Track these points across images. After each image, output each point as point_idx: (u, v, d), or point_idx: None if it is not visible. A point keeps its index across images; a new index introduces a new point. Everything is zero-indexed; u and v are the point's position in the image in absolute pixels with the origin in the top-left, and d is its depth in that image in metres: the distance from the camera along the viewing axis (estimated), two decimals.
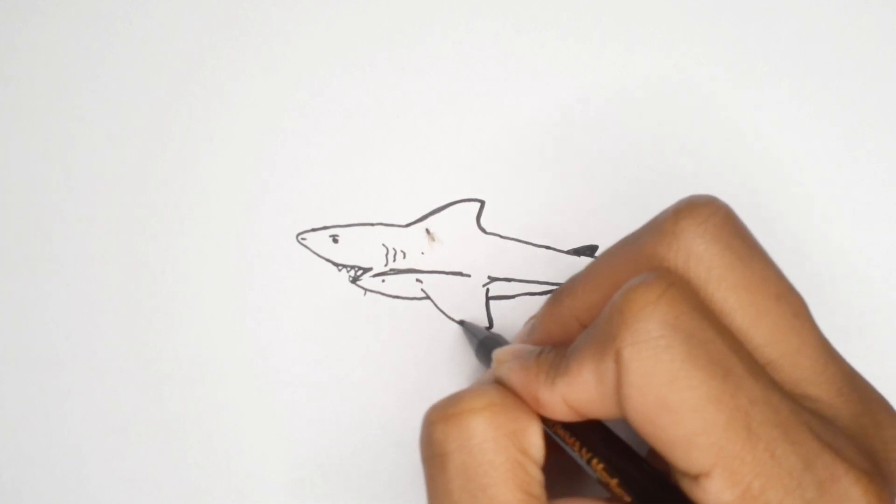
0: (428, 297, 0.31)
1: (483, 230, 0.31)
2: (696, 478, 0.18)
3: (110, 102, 0.33)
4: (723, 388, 0.18)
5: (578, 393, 0.20)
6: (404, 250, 0.31)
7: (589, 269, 0.23)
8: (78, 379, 0.31)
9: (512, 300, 0.31)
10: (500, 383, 0.22)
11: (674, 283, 0.19)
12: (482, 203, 0.31)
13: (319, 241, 0.32)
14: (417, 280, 0.31)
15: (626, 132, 0.32)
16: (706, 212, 0.21)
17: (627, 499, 0.20)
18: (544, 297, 0.31)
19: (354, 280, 0.31)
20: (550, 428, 0.22)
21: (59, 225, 0.32)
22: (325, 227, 0.32)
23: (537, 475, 0.21)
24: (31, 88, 0.33)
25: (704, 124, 0.32)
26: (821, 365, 0.21)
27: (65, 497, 0.31)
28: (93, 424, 0.31)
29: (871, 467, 0.19)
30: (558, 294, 0.24)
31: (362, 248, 0.31)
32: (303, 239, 0.32)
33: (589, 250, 0.31)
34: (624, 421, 0.20)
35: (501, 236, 0.31)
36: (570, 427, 0.21)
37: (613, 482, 0.20)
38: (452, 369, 0.31)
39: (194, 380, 0.31)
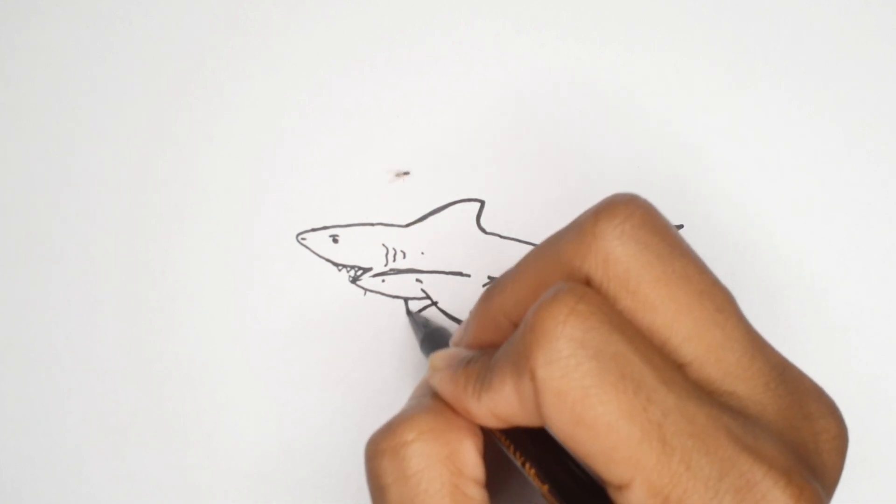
0: (428, 297, 0.31)
1: (483, 230, 0.31)
2: (618, 488, 0.19)
3: (110, 102, 0.33)
4: (634, 403, 0.18)
5: (503, 407, 0.20)
6: (404, 250, 0.31)
7: (517, 266, 0.23)
8: (78, 379, 0.31)
9: None
10: (434, 396, 0.23)
11: (583, 298, 0.19)
12: (482, 203, 0.31)
13: (319, 241, 0.32)
14: (417, 280, 0.31)
15: (626, 132, 0.32)
16: (625, 212, 0.21)
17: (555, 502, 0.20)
18: None
19: (354, 280, 0.31)
20: (492, 433, 0.22)
21: (59, 225, 0.32)
22: (325, 227, 0.32)
23: (477, 494, 0.21)
24: (31, 88, 0.33)
25: (704, 124, 0.32)
26: (747, 359, 0.21)
27: (65, 497, 0.31)
28: (93, 424, 0.31)
29: (794, 465, 0.19)
30: (489, 292, 0.24)
31: (362, 248, 0.31)
32: (303, 239, 0.32)
33: None
34: None
35: (501, 236, 0.31)
36: (506, 432, 0.22)
37: (544, 488, 0.20)
38: None
39: (194, 380, 0.31)
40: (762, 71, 0.32)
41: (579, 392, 0.18)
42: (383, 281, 0.31)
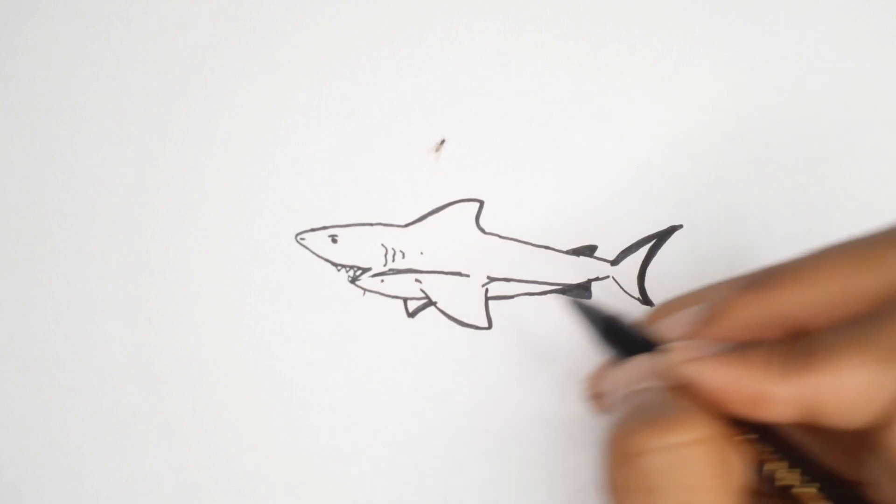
0: (427, 297, 0.31)
1: (482, 230, 0.31)
2: None
3: (110, 102, 0.33)
4: None
5: (832, 391, 0.18)
6: (403, 250, 0.31)
7: (811, 270, 0.20)
8: (78, 379, 0.31)
9: (511, 300, 0.31)
10: (680, 387, 0.20)
11: None
12: (481, 203, 0.31)
13: (318, 241, 0.31)
14: (416, 280, 0.31)
15: (625, 132, 0.32)
16: None
17: None
18: (544, 297, 0.31)
19: (353, 280, 0.31)
20: (759, 454, 0.20)
21: (59, 225, 0.32)
22: (325, 227, 0.32)
23: None
24: (31, 88, 0.33)
25: (704, 124, 0.32)
26: None
27: (65, 497, 0.31)
28: (93, 424, 0.31)
29: None
30: (762, 283, 0.21)
31: (361, 248, 0.31)
32: (302, 239, 0.32)
33: (588, 250, 0.31)
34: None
35: (500, 236, 0.31)
36: (780, 450, 0.19)
37: (812, 490, 0.18)
38: (452, 369, 0.31)
39: (194, 380, 0.31)
40: (762, 71, 0.32)
41: None
42: (382, 281, 0.31)
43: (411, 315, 0.31)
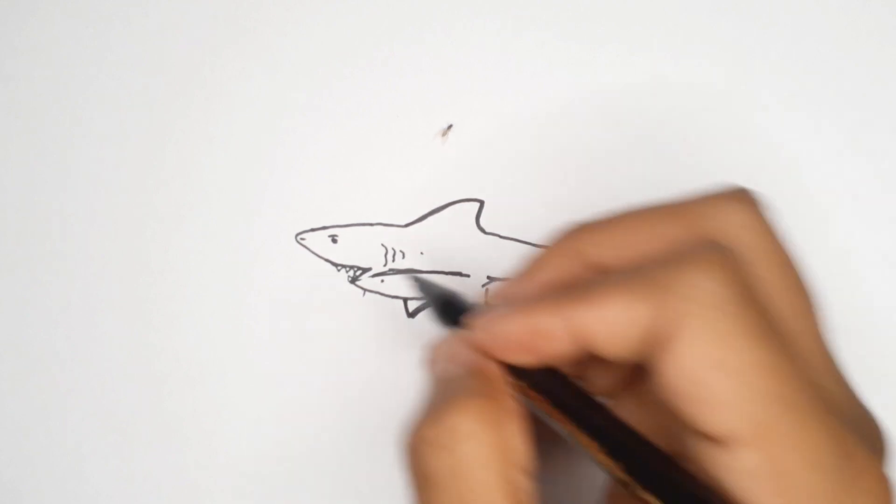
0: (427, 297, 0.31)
1: (482, 230, 0.31)
2: (721, 442, 0.18)
3: (110, 102, 0.33)
4: (776, 359, 0.18)
5: (596, 321, 0.19)
6: (403, 250, 0.31)
7: (623, 218, 0.22)
8: (78, 379, 0.31)
9: None
10: (472, 371, 0.21)
11: (736, 256, 0.19)
12: (481, 203, 0.31)
13: (318, 241, 0.31)
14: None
15: (625, 132, 0.32)
16: (753, 195, 0.22)
17: (627, 478, 0.19)
18: None
19: (353, 280, 0.31)
20: (532, 401, 0.21)
21: (59, 225, 0.32)
22: (325, 227, 0.32)
23: (527, 485, 0.20)
24: (31, 88, 0.33)
25: (704, 124, 0.32)
26: (829, 357, 0.21)
27: (65, 497, 0.31)
28: (93, 424, 0.31)
29: (879, 454, 0.20)
30: (574, 231, 0.23)
31: (361, 248, 0.31)
32: (302, 239, 0.32)
33: None
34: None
35: (501, 236, 0.31)
36: (557, 401, 0.21)
37: (609, 461, 0.19)
38: None
39: (194, 380, 0.31)
40: (762, 71, 0.32)
41: (724, 335, 0.18)
42: (382, 281, 0.31)
43: (411, 315, 0.31)
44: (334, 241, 0.31)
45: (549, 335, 0.20)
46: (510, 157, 0.32)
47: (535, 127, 0.32)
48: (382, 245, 0.31)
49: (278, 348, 0.31)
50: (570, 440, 0.21)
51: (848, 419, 0.20)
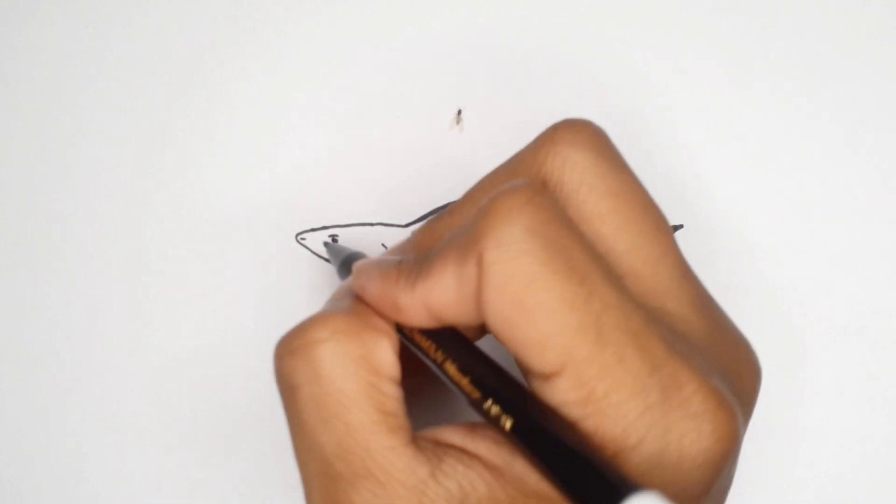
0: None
1: None
2: (546, 377, 0.19)
3: (110, 102, 0.33)
4: (578, 293, 0.19)
5: (439, 295, 0.20)
6: None
7: (472, 188, 0.24)
8: (78, 379, 0.31)
9: None
10: (355, 296, 0.22)
11: (539, 192, 0.19)
12: None
13: (319, 241, 0.32)
14: None
15: (625, 132, 0.32)
16: (582, 125, 0.22)
17: (477, 394, 0.20)
18: None
19: None
20: (407, 335, 0.22)
21: (59, 225, 0.32)
22: (325, 227, 0.32)
23: (393, 391, 0.21)
24: (31, 88, 0.33)
25: (704, 124, 0.32)
26: (678, 278, 0.21)
27: (65, 497, 0.31)
28: (93, 424, 0.31)
29: (717, 378, 0.19)
30: (437, 215, 0.24)
31: (362, 248, 0.31)
32: (302, 239, 0.32)
33: None
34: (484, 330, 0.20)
35: None
36: (427, 333, 0.21)
37: (465, 380, 0.20)
38: None
39: (194, 380, 0.31)
40: (762, 70, 0.32)
41: (526, 277, 0.19)
42: None
43: None
44: (334, 241, 0.32)
45: (405, 308, 0.21)
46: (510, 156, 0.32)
47: (535, 127, 0.32)
48: (383, 245, 0.31)
49: None
50: (429, 361, 0.21)
51: (692, 344, 0.20)
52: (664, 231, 0.22)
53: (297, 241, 0.32)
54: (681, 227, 0.31)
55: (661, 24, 0.32)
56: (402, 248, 0.25)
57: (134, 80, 0.33)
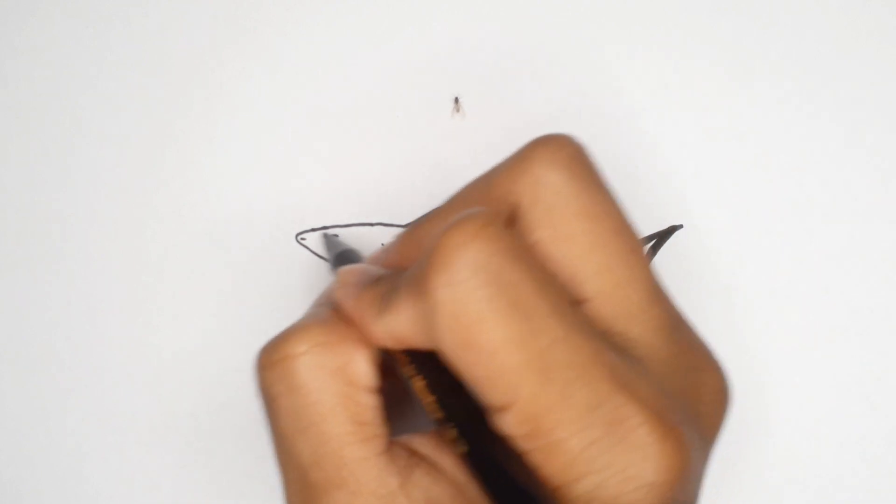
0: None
1: None
2: (496, 411, 0.19)
3: (110, 102, 0.33)
4: (523, 330, 0.19)
5: (401, 329, 0.21)
6: None
7: (451, 197, 0.24)
8: (78, 379, 0.31)
9: None
10: (336, 305, 0.23)
11: (488, 224, 0.19)
12: None
13: (319, 241, 0.32)
14: None
15: (625, 132, 0.32)
16: (559, 143, 0.22)
17: (439, 415, 0.21)
18: None
19: None
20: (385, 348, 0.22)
21: (59, 225, 0.32)
22: (325, 227, 0.32)
23: (368, 401, 0.21)
24: (31, 88, 0.33)
25: (704, 124, 0.32)
26: (646, 302, 0.21)
27: (65, 497, 0.31)
28: (93, 424, 0.31)
29: (667, 407, 0.19)
30: (418, 220, 0.24)
31: (362, 248, 0.31)
32: (302, 239, 0.32)
33: None
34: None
35: None
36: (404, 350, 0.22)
37: (430, 399, 0.21)
38: None
39: (194, 380, 0.31)
40: (761, 71, 0.32)
41: (472, 316, 0.19)
42: None
43: None
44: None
45: (374, 334, 0.22)
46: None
47: (535, 127, 0.32)
48: (383, 245, 0.31)
49: None
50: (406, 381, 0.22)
51: (649, 372, 0.20)
52: (636, 253, 0.22)
53: (297, 241, 0.32)
54: (680, 227, 0.31)
55: (661, 24, 0.32)
56: (388, 251, 0.25)
57: (134, 80, 0.33)
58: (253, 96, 0.32)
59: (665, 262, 0.31)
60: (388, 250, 0.25)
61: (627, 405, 0.19)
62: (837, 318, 0.31)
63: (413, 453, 0.22)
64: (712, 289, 0.31)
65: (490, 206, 0.22)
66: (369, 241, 0.32)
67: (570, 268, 0.21)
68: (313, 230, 0.32)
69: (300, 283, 0.31)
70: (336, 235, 0.31)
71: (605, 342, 0.20)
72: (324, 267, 0.31)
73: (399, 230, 0.31)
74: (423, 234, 0.24)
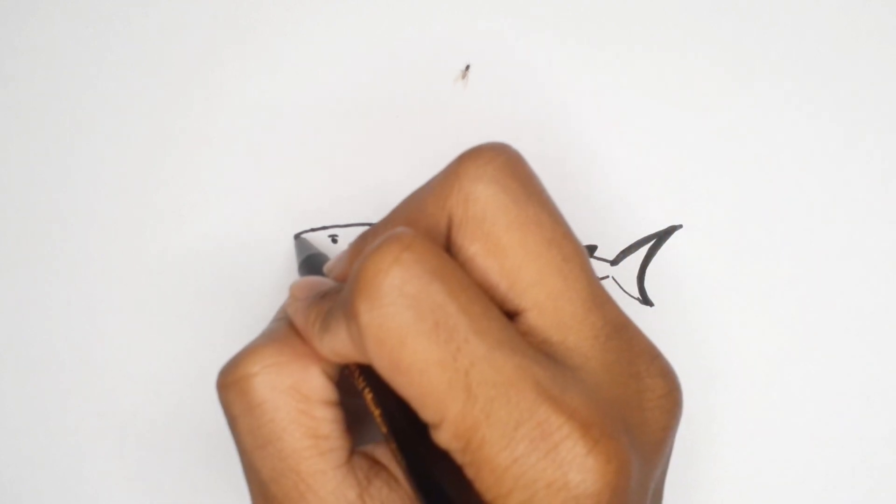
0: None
1: None
2: (431, 426, 0.20)
3: (110, 102, 0.33)
4: (445, 351, 0.19)
5: (340, 348, 0.21)
6: None
7: (392, 211, 0.24)
8: (78, 379, 0.31)
9: None
10: (289, 322, 0.23)
11: (409, 247, 0.20)
12: None
13: (319, 241, 0.32)
14: None
15: (625, 132, 0.32)
16: (489, 155, 0.22)
17: (384, 429, 0.21)
18: None
19: None
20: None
21: (59, 225, 0.32)
22: (325, 227, 0.32)
23: (326, 414, 0.22)
24: (31, 88, 0.33)
25: (704, 124, 0.32)
26: (582, 310, 0.21)
27: (65, 497, 0.31)
28: (93, 424, 0.31)
29: (598, 417, 0.19)
30: (365, 232, 0.25)
31: None
32: (302, 239, 0.32)
33: (588, 250, 0.31)
34: None
35: None
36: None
37: (377, 412, 0.21)
38: None
39: (194, 380, 0.31)
40: (761, 71, 0.32)
41: (396, 340, 0.19)
42: None
43: None
44: (334, 241, 0.32)
45: (321, 353, 0.22)
46: None
47: (536, 127, 0.32)
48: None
49: None
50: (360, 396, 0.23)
51: (582, 382, 0.20)
52: (571, 262, 0.22)
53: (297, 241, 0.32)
54: (680, 227, 0.31)
55: (662, 24, 0.32)
56: (340, 260, 0.25)
57: (134, 80, 0.33)
58: (253, 96, 0.32)
59: (665, 262, 0.31)
60: (340, 260, 0.25)
61: (552, 417, 0.19)
62: (837, 319, 0.31)
63: (375, 463, 0.22)
64: (712, 289, 0.31)
65: (426, 222, 0.22)
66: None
67: (507, 280, 0.21)
68: (313, 230, 0.32)
69: None
70: (336, 239, 0.31)
71: (535, 355, 0.20)
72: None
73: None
74: (366, 247, 0.24)
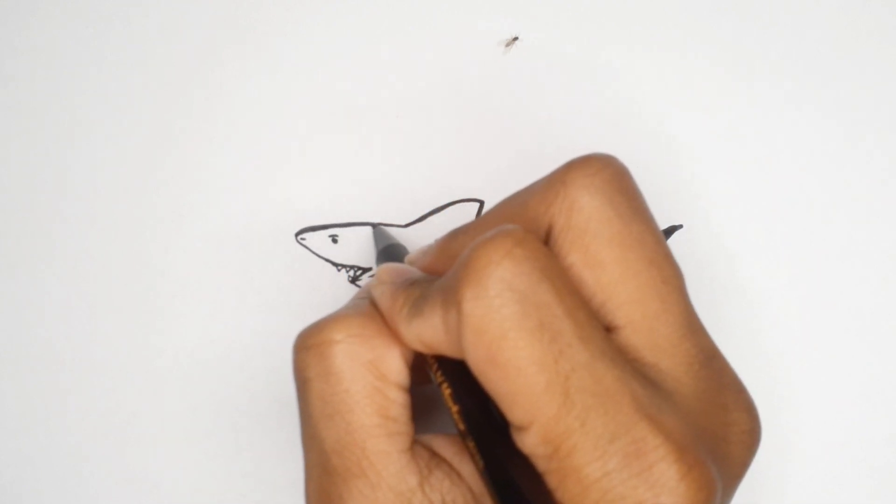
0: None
1: None
2: (518, 428, 0.19)
3: (110, 102, 0.33)
4: (546, 352, 0.19)
5: (430, 335, 0.21)
6: None
7: (490, 210, 0.24)
8: (78, 379, 0.31)
9: None
10: (372, 302, 0.23)
11: (521, 242, 0.19)
12: (482, 203, 0.32)
13: (319, 240, 0.32)
14: None
15: (625, 132, 0.32)
16: (598, 165, 0.22)
17: (462, 426, 0.21)
18: None
19: (354, 280, 0.31)
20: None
21: (59, 225, 0.32)
22: (325, 227, 0.32)
23: (397, 397, 0.22)
24: (31, 88, 0.33)
25: (704, 124, 0.32)
26: (677, 336, 0.21)
27: (65, 497, 0.31)
28: (93, 424, 0.31)
29: (692, 443, 0.19)
30: (457, 229, 0.24)
31: (361, 248, 0.31)
32: (302, 239, 0.32)
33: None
34: None
35: None
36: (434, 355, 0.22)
37: (455, 408, 0.21)
38: None
39: (194, 380, 0.31)
40: (761, 70, 0.32)
41: (497, 333, 0.19)
42: None
43: None
44: (334, 241, 0.32)
45: (405, 339, 0.22)
46: (510, 157, 0.32)
47: (536, 126, 0.32)
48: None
49: (278, 348, 0.31)
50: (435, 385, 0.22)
51: (676, 406, 0.20)
52: (670, 284, 0.21)
53: (297, 241, 0.32)
54: (680, 227, 0.31)
55: (661, 24, 0.32)
56: (426, 254, 0.25)
57: (134, 80, 0.33)
58: (253, 95, 0.32)
59: None
60: (425, 254, 0.25)
61: (650, 437, 0.19)
62: (837, 319, 0.31)
63: (434, 454, 0.22)
64: (712, 289, 0.31)
65: (526, 224, 0.21)
66: (369, 241, 0.32)
67: (602, 294, 0.21)
68: (313, 229, 0.32)
69: (300, 282, 0.31)
70: (336, 239, 0.31)
71: (633, 371, 0.20)
72: (324, 266, 0.31)
73: (399, 229, 0.31)
74: (458, 245, 0.23)
